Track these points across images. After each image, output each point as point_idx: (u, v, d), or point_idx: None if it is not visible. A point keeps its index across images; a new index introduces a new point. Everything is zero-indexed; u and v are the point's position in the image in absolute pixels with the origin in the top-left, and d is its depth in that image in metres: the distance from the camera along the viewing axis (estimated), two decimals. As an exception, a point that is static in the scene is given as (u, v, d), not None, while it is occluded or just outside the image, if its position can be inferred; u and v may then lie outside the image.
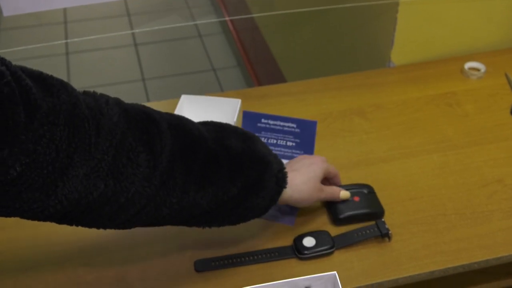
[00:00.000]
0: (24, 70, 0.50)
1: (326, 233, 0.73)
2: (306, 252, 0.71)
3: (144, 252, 0.73)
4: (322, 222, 0.76)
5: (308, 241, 0.72)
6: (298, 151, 0.81)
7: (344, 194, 0.76)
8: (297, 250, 0.72)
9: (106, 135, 0.51)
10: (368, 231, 0.74)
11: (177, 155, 0.57)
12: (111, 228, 0.57)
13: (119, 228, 0.58)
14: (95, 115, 0.51)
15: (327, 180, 0.77)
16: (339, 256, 0.72)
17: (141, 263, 0.71)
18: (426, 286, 0.84)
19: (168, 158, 0.56)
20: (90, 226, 0.56)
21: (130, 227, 0.58)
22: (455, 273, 0.72)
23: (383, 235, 0.73)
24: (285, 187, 0.66)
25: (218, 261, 0.70)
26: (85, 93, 0.55)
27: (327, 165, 0.74)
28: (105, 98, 0.55)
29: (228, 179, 0.60)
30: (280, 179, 0.66)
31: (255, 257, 0.71)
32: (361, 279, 0.69)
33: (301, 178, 0.69)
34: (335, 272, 0.60)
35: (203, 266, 0.70)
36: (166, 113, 0.61)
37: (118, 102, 0.56)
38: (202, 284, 0.69)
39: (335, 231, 0.74)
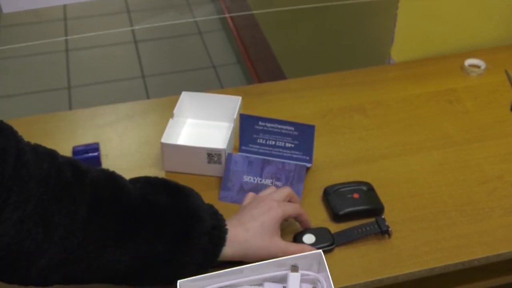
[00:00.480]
0: None
1: (326, 230, 0.73)
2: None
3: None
4: (322, 219, 0.76)
5: (308, 238, 0.72)
6: (297, 152, 0.81)
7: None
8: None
9: (38, 183, 0.53)
10: (368, 228, 0.73)
11: (95, 210, 0.56)
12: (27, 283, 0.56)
13: (37, 284, 0.57)
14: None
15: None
16: (339, 253, 0.72)
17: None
18: (426, 283, 0.84)
19: (86, 211, 0.55)
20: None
21: (49, 283, 0.57)
22: (455, 270, 0.72)
23: (383, 232, 0.73)
24: (223, 245, 0.63)
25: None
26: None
27: (284, 209, 0.67)
28: (42, 149, 0.58)
29: (152, 235, 0.59)
30: (215, 237, 0.62)
31: None
32: (361, 276, 0.69)
33: (247, 234, 0.64)
34: (320, 250, 0.60)
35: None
36: (97, 168, 0.61)
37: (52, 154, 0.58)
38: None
39: (334, 227, 0.74)
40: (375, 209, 0.76)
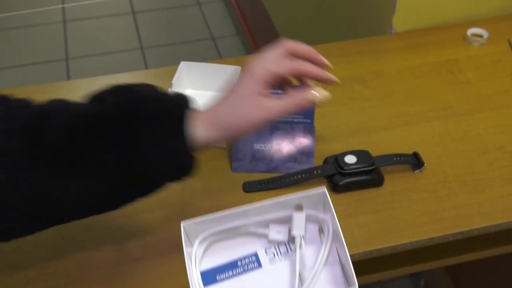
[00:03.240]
0: None
1: (366, 152, 0.76)
2: (346, 168, 0.74)
3: (145, 219, 0.72)
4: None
5: (350, 158, 0.74)
6: (298, 117, 0.80)
7: (314, 95, 0.56)
8: (339, 166, 0.74)
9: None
10: (406, 158, 0.77)
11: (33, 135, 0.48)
12: None
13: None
14: None
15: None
16: (339, 223, 0.71)
17: (142, 230, 0.71)
18: (425, 253, 0.84)
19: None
20: None
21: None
22: (454, 240, 0.72)
23: (420, 164, 0.76)
24: (183, 119, 0.51)
25: (264, 183, 0.73)
26: None
27: (269, 66, 0.54)
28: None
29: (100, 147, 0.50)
30: (174, 115, 0.52)
31: (298, 176, 0.73)
32: (360, 246, 0.69)
33: (218, 107, 0.54)
34: (324, 189, 0.56)
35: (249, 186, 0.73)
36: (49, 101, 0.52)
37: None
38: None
39: (334, 198, 0.74)
40: (375, 179, 0.76)
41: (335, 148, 0.81)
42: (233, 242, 0.56)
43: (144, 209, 0.74)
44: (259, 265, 0.54)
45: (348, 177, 0.75)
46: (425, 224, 0.72)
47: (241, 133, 0.53)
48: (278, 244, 0.56)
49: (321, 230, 0.58)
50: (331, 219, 0.56)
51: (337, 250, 0.53)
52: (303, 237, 0.54)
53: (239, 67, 0.87)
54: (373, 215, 0.73)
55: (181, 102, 0.53)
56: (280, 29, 1.80)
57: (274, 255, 0.55)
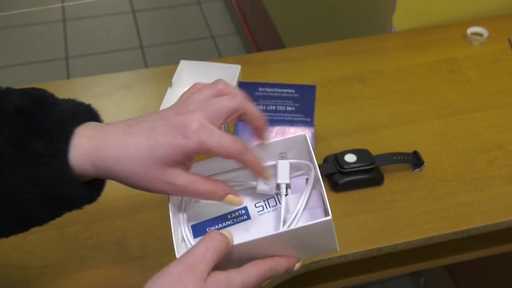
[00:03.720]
0: None
1: (366, 151, 0.76)
2: (346, 167, 0.74)
3: (144, 218, 0.72)
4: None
5: (350, 157, 0.74)
6: (298, 115, 0.80)
7: (230, 199, 0.48)
8: (339, 165, 0.74)
9: None
10: (406, 157, 0.77)
11: None
12: None
13: None
14: None
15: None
16: (339, 222, 0.72)
17: (141, 229, 0.71)
18: (425, 252, 0.84)
19: None
20: None
21: None
22: (454, 239, 0.72)
23: (420, 163, 0.77)
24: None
25: None
26: None
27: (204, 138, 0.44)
28: None
29: None
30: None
31: None
32: (360, 245, 0.69)
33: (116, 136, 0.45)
34: (304, 133, 0.54)
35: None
36: None
37: None
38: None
39: (334, 197, 0.74)
40: (375, 178, 0.76)
41: (335, 146, 0.81)
42: None
43: (143, 208, 0.74)
44: (248, 217, 0.54)
45: (348, 176, 0.75)
46: (425, 223, 0.72)
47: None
48: (267, 198, 0.56)
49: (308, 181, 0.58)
50: (312, 164, 0.55)
51: (321, 196, 0.53)
52: (288, 186, 0.54)
53: (239, 66, 0.87)
54: (373, 214, 0.73)
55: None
56: (280, 28, 1.80)
57: (263, 208, 0.55)
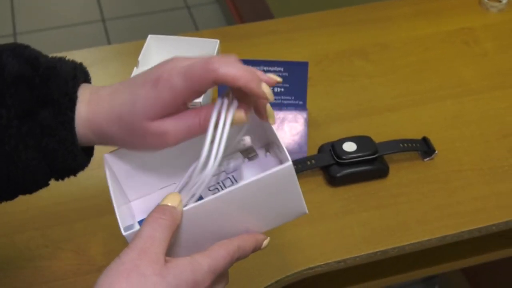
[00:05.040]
0: None
1: (368, 138, 0.77)
2: (345, 157, 0.74)
3: (109, 221, 0.73)
4: (316, 183, 0.77)
5: (349, 146, 0.75)
6: (288, 97, 0.81)
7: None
8: (336, 155, 0.75)
9: None
10: (414, 145, 0.77)
11: None
12: None
13: None
14: None
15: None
16: (337, 221, 0.72)
17: (106, 234, 0.71)
18: (438, 253, 0.85)
19: None
20: None
21: None
22: (470, 238, 0.74)
23: (431, 151, 0.78)
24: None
25: None
26: None
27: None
28: None
29: None
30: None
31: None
32: (362, 247, 0.70)
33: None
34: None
35: None
36: None
37: None
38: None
39: (331, 191, 0.75)
40: (378, 170, 0.77)
41: (331, 133, 0.82)
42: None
43: (108, 209, 0.74)
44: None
45: (347, 168, 0.75)
46: (436, 220, 0.73)
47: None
48: (222, 179, 0.57)
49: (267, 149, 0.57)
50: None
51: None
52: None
53: (217, 41, 0.87)
54: (377, 211, 0.74)
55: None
56: (267, -5, 1.80)
57: (218, 190, 0.56)
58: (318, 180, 0.77)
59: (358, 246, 0.70)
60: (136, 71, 0.82)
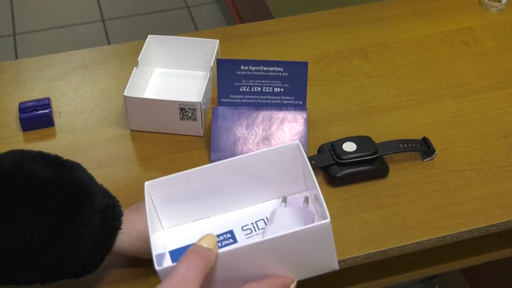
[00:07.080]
0: None
1: (368, 138, 0.76)
2: (344, 157, 0.74)
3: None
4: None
5: (349, 146, 0.75)
6: (287, 97, 0.81)
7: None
8: (336, 155, 0.75)
9: None
10: (414, 145, 0.77)
11: None
12: None
13: None
14: None
15: None
16: (337, 221, 0.72)
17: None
18: (438, 254, 0.85)
19: None
20: None
21: None
22: (470, 238, 0.73)
23: (430, 151, 0.77)
24: (118, 228, 0.60)
25: None
26: None
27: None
28: None
29: (31, 211, 0.56)
30: (109, 217, 0.60)
31: None
32: (362, 247, 0.70)
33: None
34: (297, 141, 0.58)
35: None
36: None
37: None
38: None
39: (330, 192, 0.75)
40: (378, 170, 0.77)
41: (331, 133, 0.82)
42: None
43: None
44: (235, 241, 0.57)
45: (347, 168, 0.75)
46: (436, 220, 0.73)
47: None
48: (255, 220, 0.58)
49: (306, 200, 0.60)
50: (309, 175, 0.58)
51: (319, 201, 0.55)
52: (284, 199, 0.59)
53: (217, 41, 0.87)
54: (377, 211, 0.74)
55: (114, 197, 0.63)
56: (267, -5, 1.80)
57: (251, 231, 0.57)
58: (318, 180, 0.76)
59: (358, 246, 0.70)
60: (136, 72, 0.82)
